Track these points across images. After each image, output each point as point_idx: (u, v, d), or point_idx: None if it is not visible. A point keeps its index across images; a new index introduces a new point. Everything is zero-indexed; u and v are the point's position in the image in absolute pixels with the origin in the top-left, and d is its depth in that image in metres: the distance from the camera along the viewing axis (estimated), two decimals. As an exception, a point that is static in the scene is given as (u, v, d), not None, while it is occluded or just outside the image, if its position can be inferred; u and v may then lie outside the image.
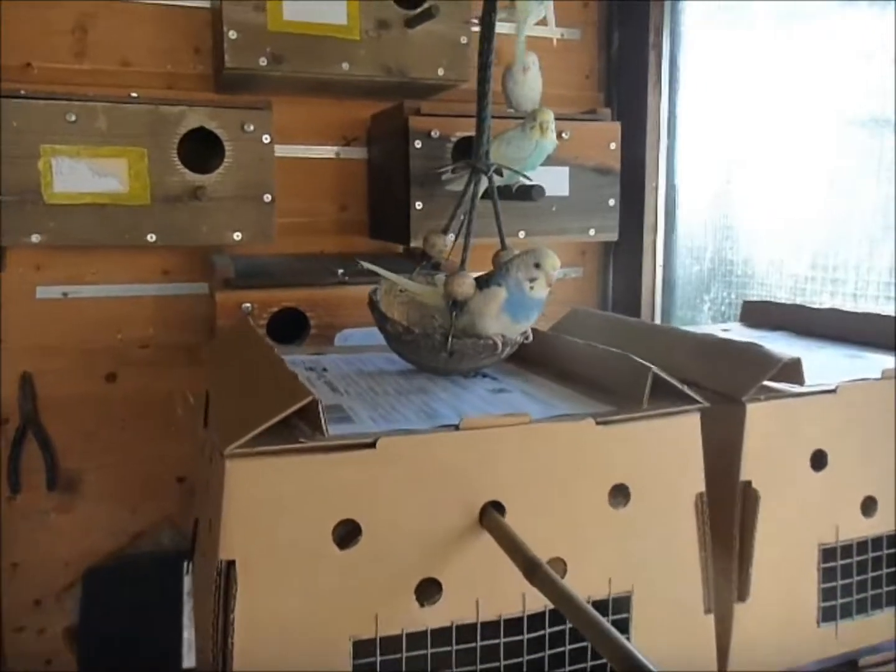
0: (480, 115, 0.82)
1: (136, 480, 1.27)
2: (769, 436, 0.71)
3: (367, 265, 0.88)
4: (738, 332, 1.03)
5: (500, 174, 0.85)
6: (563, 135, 1.18)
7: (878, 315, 0.93)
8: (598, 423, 0.64)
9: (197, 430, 0.79)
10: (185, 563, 0.82)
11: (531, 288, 0.77)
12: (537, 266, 0.77)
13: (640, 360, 0.68)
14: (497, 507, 0.61)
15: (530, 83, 1.15)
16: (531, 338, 0.82)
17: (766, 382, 0.70)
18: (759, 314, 1.07)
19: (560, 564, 0.63)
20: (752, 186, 1.20)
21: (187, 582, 1.07)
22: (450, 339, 0.76)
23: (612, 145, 1.23)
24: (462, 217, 0.84)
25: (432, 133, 1.13)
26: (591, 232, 1.24)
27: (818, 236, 1.08)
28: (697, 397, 0.68)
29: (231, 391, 0.66)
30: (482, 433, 0.60)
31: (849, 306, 1.03)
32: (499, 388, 0.75)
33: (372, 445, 0.58)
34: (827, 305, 1.05)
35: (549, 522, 0.63)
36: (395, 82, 1.16)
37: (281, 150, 1.27)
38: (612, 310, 1.43)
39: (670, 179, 1.34)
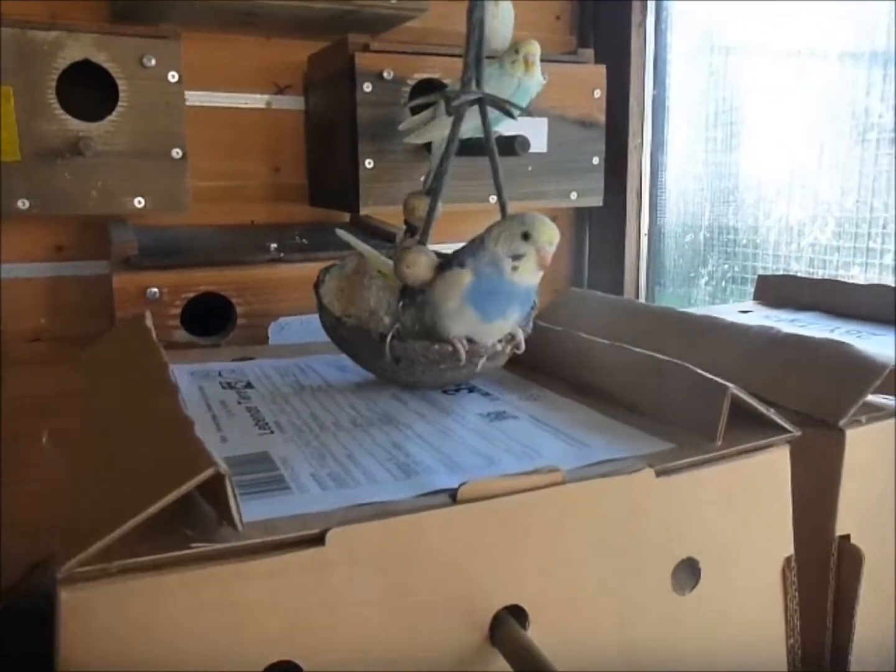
0: (470, 18, 0.57)
1: (30, 506, 0.99)
2: (874, 471, 0.49)
3: (342, 233, 0.62)
4: (760, 314, 0.81)
5: (504, 111, 0.60)
6: (542, 80, 0.93)
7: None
8: (657, 475, 0.41)
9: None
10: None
11: (514, 269, 0.51)
12: (526, 237, 0.51)
13: (706, 375, 0.45)
14: (516, 613, 0.37)
15: (503, 17, 0.89)
16: (522, 347, 0.55)
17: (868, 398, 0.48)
18: (780, 291, 0.85)
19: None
20: (757, 140, 0.97)
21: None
22: (388, 340, 0.52)
23: (597, 93, 0.99)
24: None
25: (385, 73, 0.87)
26: (573, 196, 0.99)
27: (843, 198, 0.87)
28: (787, 424, 0.45)
29: (96, 445, 0.41)
30: (491, 506, 0.37)
31: (892, 281, 0.82)
32: (496, 410, 0.51)
33: (318, 540, 0.33)
34: (861, 280, 0.84)
35: (589, 631, 0.39)
36: (336, 10, 0.89)
37: (198, 98, 0.99)
38: (589, 287, 1.20)
39: (658, 135, 1.10)
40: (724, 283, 1.01)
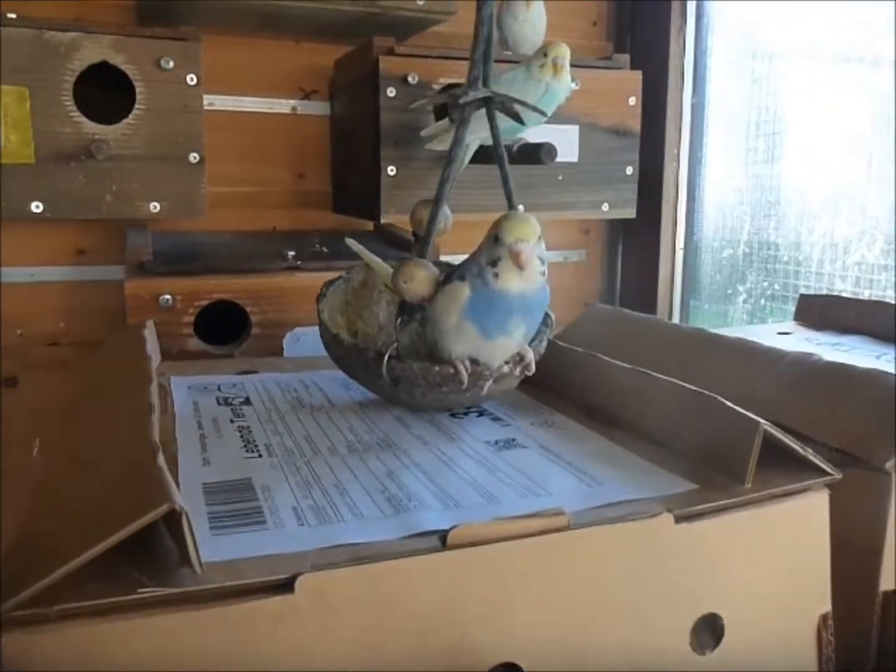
0: (479, 13, 0.53)
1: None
2: (924, 520, 0.44)
3: (352, 243, 0.59)
4: (800, 336, 0.75)
5: (512, 114, 0.56)
6: (573, 85, 0.89)
7: None
8: (677, 521, 0.36)
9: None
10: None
11: (496, 276, 0.46)
12: (496, 240, 0.46)
13: (736, 408, 0.40)
14: (510, 672, 0.33)
15: (533, 20, 0.86)
16: (532, 369, 0.51)
17: (918, 437, 0.43)
18: (822, 312, 0.79)
19: None
20: (801, 151, 0.92)
21: None
22: (385, 360, 0.48)
23: (632, 100, 0.94)
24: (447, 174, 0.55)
25: (409, 78, 0.83)
26: (605, 207, 0.95)
27: (893, 213, 0.81)
28: (826, 465, 0.40)
29: (62, 466, 0.38)
30: (485, 553, 0.32)
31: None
32: (505, 437, 0.47)
33: (287, 587, 0.30)
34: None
35: (596, 693, 0.35)
36: (361, 13, 0.86)
37: (222, 103, 0.97)
38: (621, 303, 1.15)
39: (696, 145, 1.05)
40: (763, 301, 0.96)
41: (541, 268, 0.46)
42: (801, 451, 0.39)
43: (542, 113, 0.59)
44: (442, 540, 0.32)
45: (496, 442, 0.46)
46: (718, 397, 0.41)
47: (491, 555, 0.32)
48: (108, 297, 0.97)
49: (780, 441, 0.39)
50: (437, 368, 0.47)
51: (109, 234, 0.95)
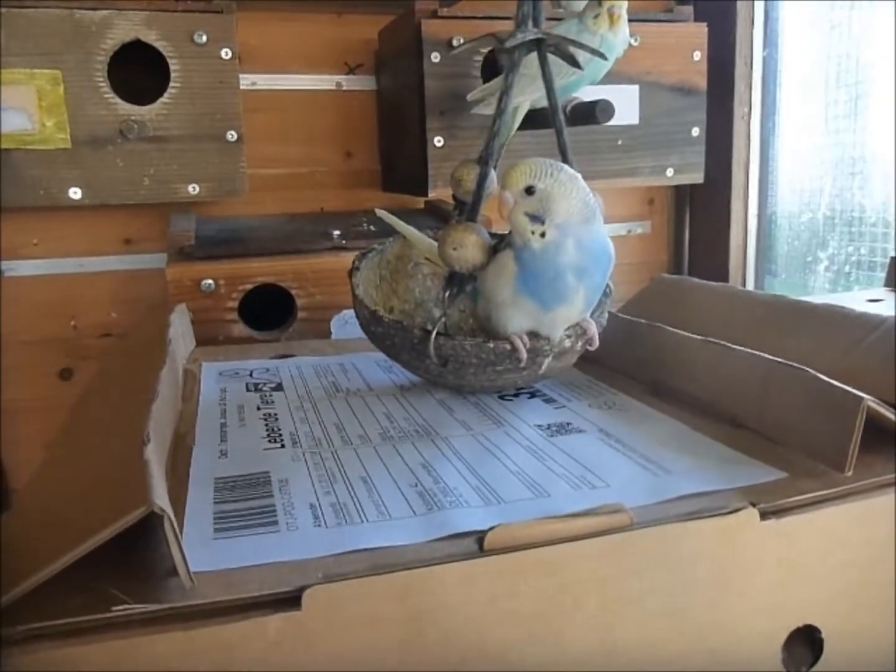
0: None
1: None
2: None
3: (383, 214, 0.54)
4: (894, 303, 0.67)
5: (567, 56, 0.49)
6: (632, 41, 0.82)
7: None
8: (763, 516, 0.30)
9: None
10: None
11: (532, 235, 0.41)
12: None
13: (832, 382, 0.34)
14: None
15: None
16: (596, 342, 0.45)
17: None
18: (918, 277, 0.71)
19: None
20: (888, 101, 0.82)
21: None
22: (432, 337, 0.42)
23: (697, 55, 0.86)
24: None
25: (454, 41, 0.78)
26: (669, 172, 0.87)
27: None
28: (942, 449, 0.33)
29: (59, 466, 0.34)
30: (530, 559, 0.27)
31: None
32: (559, 421, 0.41)
33: (293, 602, 0.25)
34: None
35: (670, 722, 0.29)
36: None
37: (266, 82, 0.93)
38: (689, 274, 1.06)
39: (768, 102, 0.96)
40: (847, 269, 0.86)
41: (531, 227, 0.41)
42: (913, 431, 0.32)
43: (602, 56, 0.53)
44: (479, 543, 0.27)
45: (548, 426, 0.40)
46: (810, 370, 0.35)
47: (538, 561, 0.27)
48: (157, 285, 0.94)
49: (887, 420, 0.32)
50: (491, 345, 0.42)
51: (155, 221, 0.92)
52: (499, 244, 0.44)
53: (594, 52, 0.50)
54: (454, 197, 0.50)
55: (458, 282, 0.45)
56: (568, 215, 0.41)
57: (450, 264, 0.44)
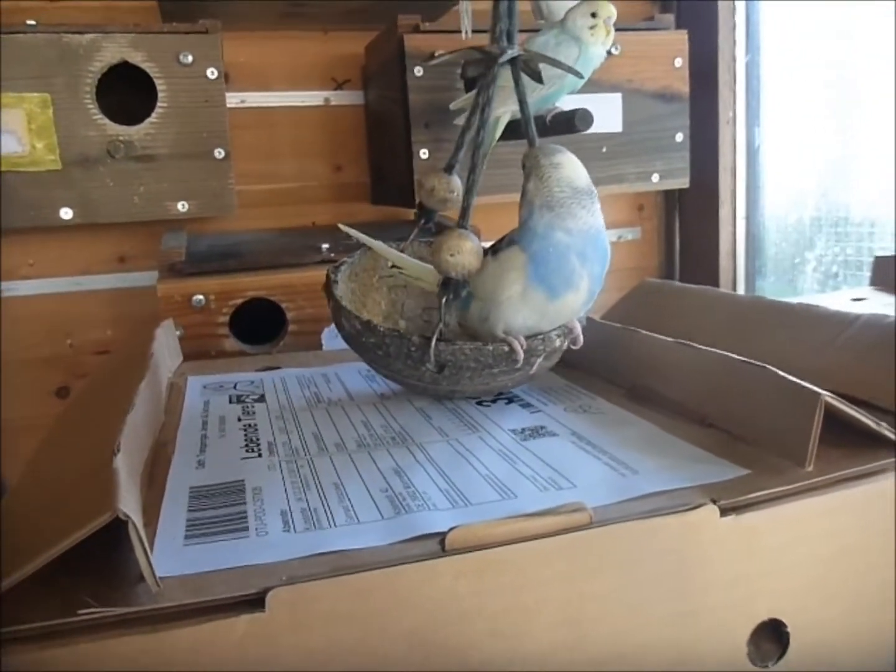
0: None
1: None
2: None
3: (345, 228, 0.56)
4: (878, 301, 0.67)
5: (534, 75, 0.50)
6: (613, 50, 0.83)
7: None
8: (723, 513, 0.31)
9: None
10: None
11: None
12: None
13: (791, 378, 0.35)
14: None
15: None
16: (580, 341, 0.46)
17: None
18: (902, 275, 0.71)
19: None
20: (875, 99, 0.83)
21: None
22: (433, 343, 0.43)
23: (678, 61, 0.87)
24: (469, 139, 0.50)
25: (437, 55, 0.79)
26: (655, 178, 0.88)
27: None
28: (902, 441, 0.34)
29: (35, 476, 0.35)
30: (490, 558, 0.28)
31: None
32: (533, 425, 0.42)
33: (257, 603, 0.25)
34: None
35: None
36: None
37: (255, 100, 0.95)
38: (681, 280, 1.07)
39: (752, 105, 0.97)
40: (835, 269, 0.87)
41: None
42: (872, 425, 0.33)
43: (578, 74, 0.54)
44: (441, 543, 0.28)
45: (522, 430, 0.41)
46: (771, 367, 0.35)
47: (499, 560, 0.27)
48: (151, 302, 0.95)
49: (847, 415, 0.33)
50: (490, 348, 0.43)
51: (148, 239, 0.93)
52: (494, 248, 0.45)
53: (570, 70, 0.52)
54: (419, 205, 0.51)
55: (454, 288, 0.46)
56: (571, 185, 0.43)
57: (446, 271, 0.45)
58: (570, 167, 0.44)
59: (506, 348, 0.43)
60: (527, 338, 0.44)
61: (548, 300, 0.44)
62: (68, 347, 0.94)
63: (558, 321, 0.45)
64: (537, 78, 0.51)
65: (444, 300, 0.46)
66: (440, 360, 0.44)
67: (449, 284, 0.46)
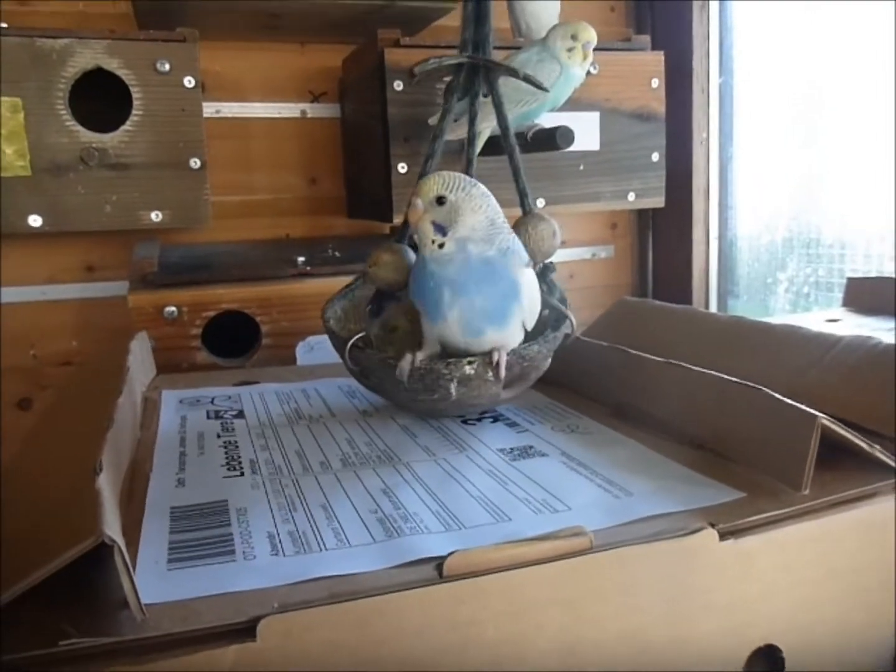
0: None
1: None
2: None
3: None
4: (851, 322, 0.68)
5: (516, 75, 0.50)
6: (591, 69, 0.83)
7: None
8: (722, 537, 0.30)
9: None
10: None
11: (431, 244, 0.43)
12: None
13: (787, 400, 0.34)
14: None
15: (547, 6, 0.82)
16: (502, 374, 0.42)
17: None
18: (873, 295, 0.72)
19: None
20: (846, 123, 0.84)
21: None
22: (346, 347, 0.45)
23: (655, 82, 0.88)
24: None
25: (416, 70, 0.79)
26: (631, 196, 0.89)
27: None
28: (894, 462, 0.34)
29: (16, 495, 0.33)
30: (490, 584, 0.27)
31: None
32: (521, 445, 0.41)
33: (248, 632, 0.24)
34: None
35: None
36: (367, 6, 0.81)
37: (231, 110, 0.93)
38: (653, 297, 1.08)
39: (726, 126, 0.98)
40: (806, 290, 0.88)
41: (433, 236, 0.42)
42: (866, 448, 0.33)
43: (542, 87, 0.54)
44: (438, 569, 0.27)
45: (511, 450, 0.40)
46: (766, 389, 0.35)
47: (498, 586, 0.27)
48: (119, 313, 0.93)
49: (842, 437, 0.33)
50: (392, 360, 0.44)
51: (119, 249, 0.91)
52: None
53: (539, 86, 0.52)
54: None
55: (379, 299, 0.47)
56: (471, 231, 0.41)
57: (371, 281, 0.47)
58: (483, 207, 0.43)
59: (400, 362, 0.43)
60: (439, 360, 0.43)
61: (427, 322, 0.44)
62: (32, 358, 0.91)
63: (471, 348, 0.43)
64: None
65: (367, 309, 0.49)
66: (360, 366, 0.46)
67: (376, 295, 0.49)
